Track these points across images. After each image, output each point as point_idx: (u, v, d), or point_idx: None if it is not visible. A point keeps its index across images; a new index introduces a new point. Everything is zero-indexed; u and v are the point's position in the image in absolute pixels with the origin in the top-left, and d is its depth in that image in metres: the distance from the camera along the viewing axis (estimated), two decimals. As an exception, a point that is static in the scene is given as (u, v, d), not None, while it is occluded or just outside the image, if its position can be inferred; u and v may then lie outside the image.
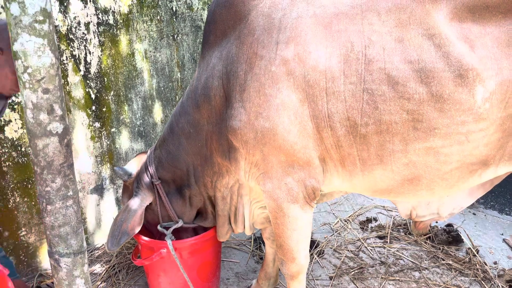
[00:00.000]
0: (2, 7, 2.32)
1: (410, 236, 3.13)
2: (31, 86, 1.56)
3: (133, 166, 2.39)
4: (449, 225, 3.17)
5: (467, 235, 3.09)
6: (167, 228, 2.34)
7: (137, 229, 2.21)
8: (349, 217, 3.44)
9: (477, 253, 2.91)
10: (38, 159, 1.66)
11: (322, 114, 1.83)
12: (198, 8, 3.32)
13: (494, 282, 2.63)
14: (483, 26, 1.73)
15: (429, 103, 1.73)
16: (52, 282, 2.58)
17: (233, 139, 1.96)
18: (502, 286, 2.58)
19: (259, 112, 1.86)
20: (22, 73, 1.55)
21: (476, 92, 1.69)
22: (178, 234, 2.45)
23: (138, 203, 2.27)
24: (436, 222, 3.29)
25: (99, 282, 2.74)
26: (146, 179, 2.31)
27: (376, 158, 1.85)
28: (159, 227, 2.35)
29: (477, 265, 2.79)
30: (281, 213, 2.02)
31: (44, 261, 2.82)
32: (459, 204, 2.26)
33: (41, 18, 1.51)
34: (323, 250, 3.02)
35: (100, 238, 3.14)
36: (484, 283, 2.64)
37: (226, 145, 2.05)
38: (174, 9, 3.17)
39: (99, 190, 3.07)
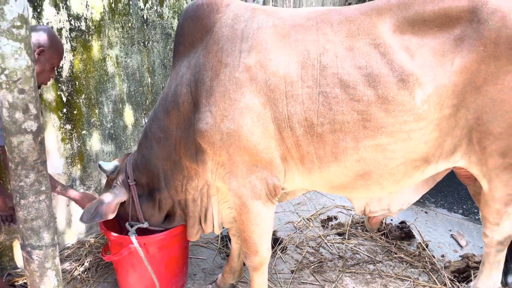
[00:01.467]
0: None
1: (366, 233, 3.36)
2: (7, 86, 1.67)
3: (116, 164, 2.52)
4: (402, 222, 3.41)
5: (418, 231, 3.34)
6: (133, 226, 2.46)
7: (110, 216, 2.31)
8: (311, 216, 3.64)
9: (427, 247, 3.16)
10: (13, 156, 1.77)
11: (283, 116, 2.01)
12: (168, 16, 3.47)
13: (441, 273, 2.87)
14: (421, 38, 1.97)
15: (376, 104, 1.94)
16: (25, 282, 2.64)
17: (201, 141, 2.11)
18: (447, 276, 2.82)
19: (225, 115, 2.02)
20: (-1, 74, 1.66)
21: (415, 94, 1.93)
22: (149, 230, 2.56)
23: (114, 196, 2.38)
24: (391, 220, 3.53)
25: (69, 279, 2.82)
26: (124, 178, 2.43)
27: (331, 155, 2.05)
28: (127, 224, 2.47)
29: (426, 258, 3.03)
30: (245, 209, 2.17)
31: (13, 260, 2.87)
32: (407, 200, 2.48)
33: (18, 23, 1.63)
34: (286, 247, 3.20)
35: (70, 238, 3.21)
36: (431, 274, 2.88)
37: (194, 148, 2.19)
38: (145, 17, 3.31)
39: (69, 190, 3.14)
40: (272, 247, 3.18)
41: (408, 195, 2.46)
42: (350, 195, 2.41)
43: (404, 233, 3.28)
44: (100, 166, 2.52)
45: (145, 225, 2.46)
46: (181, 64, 2.26)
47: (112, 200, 2.35)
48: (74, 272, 2.89)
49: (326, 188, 2.27)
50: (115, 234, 2.46)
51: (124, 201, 2.43)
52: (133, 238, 2.37)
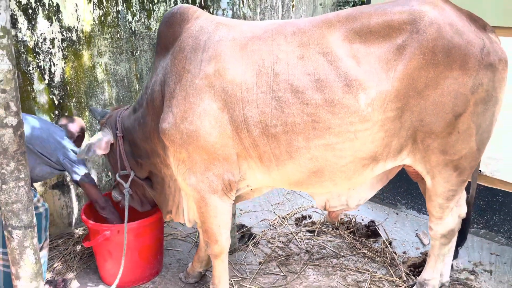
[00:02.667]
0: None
1: (336, 231, 3.56)
2: (-9, 87, 1.96)
3: (106, 111, 2.82)
4: (371, 221, 3.60)
5: (384, 230, 3.53)
6: (126, 180, 2.69)
7: (99, 152, 2.58)
8: (287, 214, 3.86)
9: (390, 244, 3.34)
10: (-4, 146, 2.06)
11: (240, 118, 2.22)
12: (155, 28, 3.78)
13: (399, 268, 3.05)
14: (368, 47, 2.16)
15: (324, 107, 2.14)
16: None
17: (163, 139, 2.35)
18: (404, 270, 3.00)
19: (185, 117, 2.25)
20: (-16, 76, 1.96)
21: (359, 98, 2.11)
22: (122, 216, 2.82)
23: (102, 135, 2.63)
24: (362, 219, 3.73)
25: (55, 264, 3.10)
26: (113, 126, 2.68)
27: (286, 154, 2.25)
28: (116, 176, 2.71)
29: (387, 254, 3.22)
30: (204, 203, 2.40)
31: None
32: (363, 196, 2.66)
33: (1, 34, 1.93)
34: (258, 241, 3.42)
35: (60, 229, 3.50)
36: (390, 268, 3.06)
37: (162, 141, 2.44)
38: (133, 28, 3.63)
39: (60, 186, 3.44)
40: (246, 242, 3.41)
41: (364, 192, 2.64)
42: (308, 190, 2.60)
43: (370, 231, 3.47)
44: (91, 110, 2.87)
45: (132, 174, 2.67)
46: (159, 63, 2.52)
47: (101, 139, 2.61)
48: (61, 258, 3.17)
49: (286, 184, 2.47)
50: (92, 222, 2.74)
51: (113, 145, 2.67)
52: (127, 195, 2.64)
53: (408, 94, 2.11)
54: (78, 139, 3.01)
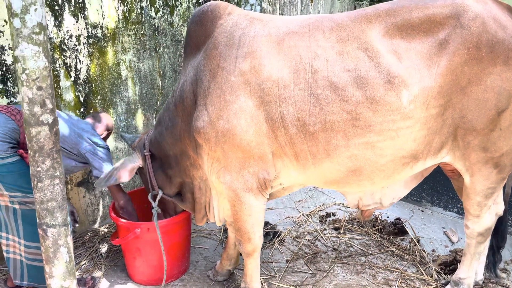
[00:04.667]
0: (5, 21, 2.73)
1: (362, 228, 3.52)
2: (27, 84, 1.94)
3: (136, 135, 2.89)
4: (397, 219, 3.56)
5: (411, 227, 3.48)
6: (154, 198, 2.68)
7: (122, 179, 2.58)
8: (310, 212, 3.82)
9: (418, 242, 3.30)
10: (32, 144, 2.04)
11: (276, 116, 2.17)
12: (178, 24, 3.76)
13: (429, 266, 3.01)
14: (409, 42, 2.10)
15: (364, 105, 2.08)
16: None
17: (198, 138, 2.33)
18: (434, 268, 2.96)
19: (220, 115, 2.21)
20: (21, 73, 1.94)
21: (402, 95, 2.06)
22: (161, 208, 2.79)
23: (127, 162, 2.66)
24: (387, 217, 3.68)
25: (83, 262, 3.09)
26: (141, 148, 2.71)
27: (324, 152, 2.20)
28: (149, 196, 2.69)
29: (416, 252, 3.18)
30: (238, 201, 2.37)
31: None
32: (397, 194, 2.62)
33: (37, 30, 1.91)
34: (284, 239, 3.40)
35: (85, 227, 3.50)
36: (420, 266, 3.02)
37: (194, 141, 2.42)
38: (156, 25, 3.60)
39: (85, 183, 3.44)
40: (271, 239, 3.39)
41: (398, 190, 2.60)
42: (344, 189, 2.56)
43: (397, 229, 3.43)
44: (122, 136, 2.90)
45: (160, 193, 2.66)
46: (189, 63, 2.49)
47: (124, 166, 2.63)
48: (88, 256, 3.17)
49: (321, 183, 2.43)
50: (122, 220, 2.72)
51: (142, 167, 2.70)
52: (155, 213, 2.61)
53: (451, 90, 2.06)
54: (106, 136, 3.00)
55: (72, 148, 2.62)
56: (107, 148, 2.75)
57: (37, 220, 2.18)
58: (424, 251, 3.19)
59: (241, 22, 2.34)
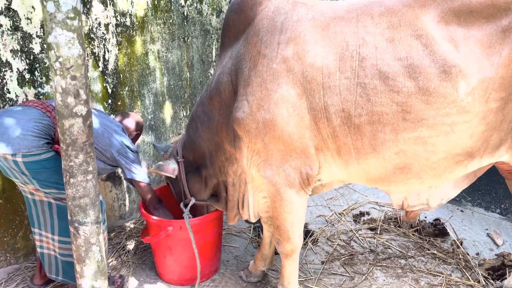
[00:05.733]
0: (33, 7, 2.61)
1: (399, 229, 3.34)
2: (61, 73, 1.82)
3: (169, 145, 2.85)
4: (436, 219, 3.37)
5: (453, 228, 3.29)
6: (186, 206, 2.59)
7: (166, 173, 2.56)
8: (343, 210, 3.66)
9: (461, 244, 3.11)
10: (64, 137, 1.92)
11: (319, 106, 2.02)
12: (207, 13, 3.60)
13: (475, 270, 2.83)
14: (467, 29, 1.91)
15: (417, 96, 1.91)
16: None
17: (237, 129, 2.19)
18: (481, 274, 2.78)
19: (261, 105, 2.08)
20: (54, 61, 1.81)
21: (459, 86, 1.87)
22: (192, 214, 2.69)
23: (170, 162, 2.63)
24: (425, 217, 3.50)
25: (110, 260, 2.99)
26: (175, 154, 2.65)
27: (369, 147, 2.04)
28: (181, 205, 2.61)
29: (460, 255, 2.99)
30: (279, 197, 2.23)
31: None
32: (446, 194, 2.43)
33: (72, 15, 1.78)
34: (317, 239, 3.24)
35: (112, 222, 3.40)
36: (465, 271, 2.84)
37: (232, 134, 2.28)
38: (185, 13, 3.46)
39: (111, 178, 3.33)
40: (304, 239, 3.24)
41: (448, 190, 2.41)
42: (388, 188, 2.39)
43: (438, 230, 3.25)
44: (155, 146, 2.84)
45: (193, 201, 2.58)
46: (225, 54, 2.36)
47: (169, 163, 2.61)
48: (115, 253, 3.06)
49: (363, 180, 2.26)
50: (154, 218, 2.60)
51: (177, 176, 2.62)
52: (186, 218, 2.50)
53: None
54: (136, 136, 2.89)
55: (105, 150, 2.53)
56: (137, 152, 2.64)
57: (69, 218, 2.08)
58: (468, 254, 3.01)
59: (283, 6, 2.19)
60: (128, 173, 2.56)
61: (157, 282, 2.80)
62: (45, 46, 2.62)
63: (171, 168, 2.60)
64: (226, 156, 2.41)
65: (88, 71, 2.98)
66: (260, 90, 2.09)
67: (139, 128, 2.89)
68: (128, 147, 2.58)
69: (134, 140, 2.89)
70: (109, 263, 2.97)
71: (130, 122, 2.82)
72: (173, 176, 2.60)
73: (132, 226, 3.43)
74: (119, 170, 3.33)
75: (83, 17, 2.86)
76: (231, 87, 2.25)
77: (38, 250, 2.52)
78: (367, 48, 1.98)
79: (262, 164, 2.20)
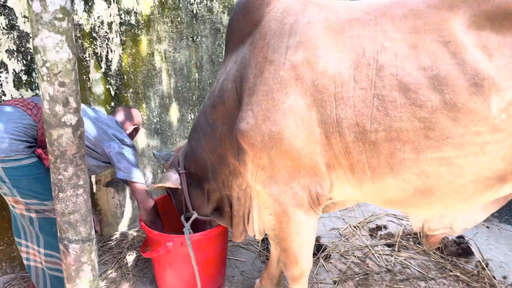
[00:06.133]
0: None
1: (419, 246, 3.11)
2: (48, 79, 1.65)
3: (169, 153, 2.62)
4: (460, 237, 3.13)
5: (478, 248, 3.04)
6: (188, 220, 2.42)
7: (169, 184, 2.36)
8: (358, 223, 3.43)
9: (487, 266, 2.86)
10: (53, 149, 1.76)
11: (331, 119, 1.81)
12: (218, 11, 3.41)
13: (502, 297, 2.59)
14: (503, 36, 1.66)
15: (442, 111, 1.67)
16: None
17: (241, 141, 1.99)
18: (509, 301, 2.53)
19: (267, 116, 1.87)
20: (40, 66, 1.65)
21: (491, 101, 1.63)
22: (194, 228, 2.52)
23: (173, 173, 2.45)
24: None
25: (109, 271, 2.84)
26: (176, 165, 2.47)
27: (386, 166, 1.81)
28: (182, 218, 2.45)
29: (485, 278, 2.74)
30: (286, 217, 2.03)
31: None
32: (473, 218, 2.17)
33: (60, 15, 1.61)
34: (330, 255, 3.03)
35: (114, 229, 3.25)
36: (491, 297, 2.60)
37: (236, 147, 2.09)
38: (194, 11, 3.27)
39: (114, 183, 3.18)
40: (315, 254, 3.03)
41: (475, 214, 2.14)
42: (409, 211, 2.17)
43: (461, 249, 3.00)
44: (154, 155, 2.62)
45: (195, 215, 2.40)
46: (230, 59, 2.17)
47: (171, 174, 2.42)
48: (115, 264, 2.91)
49: (379, 201, 2.04)
50: (154, 232, 2.43)
51: (178, 188, 2.45)
52: (187, 234, 2.33)
53: None
54: (134, 132, 2.71)
55: (95, 145, 2.33)
56: (133, 147, 2.46)
57: (58, 234, 1.92)
58: (494, 277, 2.76)
59: (293, 6, 1.97)
60: (121, 173, 2.35)
61: (157, 298, 2.64)
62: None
63: (175, 177, 2.42)
64: (230, 169, 2.22)
65: (89, 72, 2.82)
66: (266, 100, 1.88)
67: (137, 123, 2.71)
68: (122, 141, 2.39)
69: (131, 135, 2.71)
70: (108, 275, 2.82)
71: (125, 115, 2.64)
72: (179, 187, 2.42)
73: (134, 234, 3.28)
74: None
75: (85, 15, 2.69)
76: (236, 95, 2.05)
77: (25, 262, 2.37)
78: (386, 55, 1.74)
79: (267, 181, 2.00)
